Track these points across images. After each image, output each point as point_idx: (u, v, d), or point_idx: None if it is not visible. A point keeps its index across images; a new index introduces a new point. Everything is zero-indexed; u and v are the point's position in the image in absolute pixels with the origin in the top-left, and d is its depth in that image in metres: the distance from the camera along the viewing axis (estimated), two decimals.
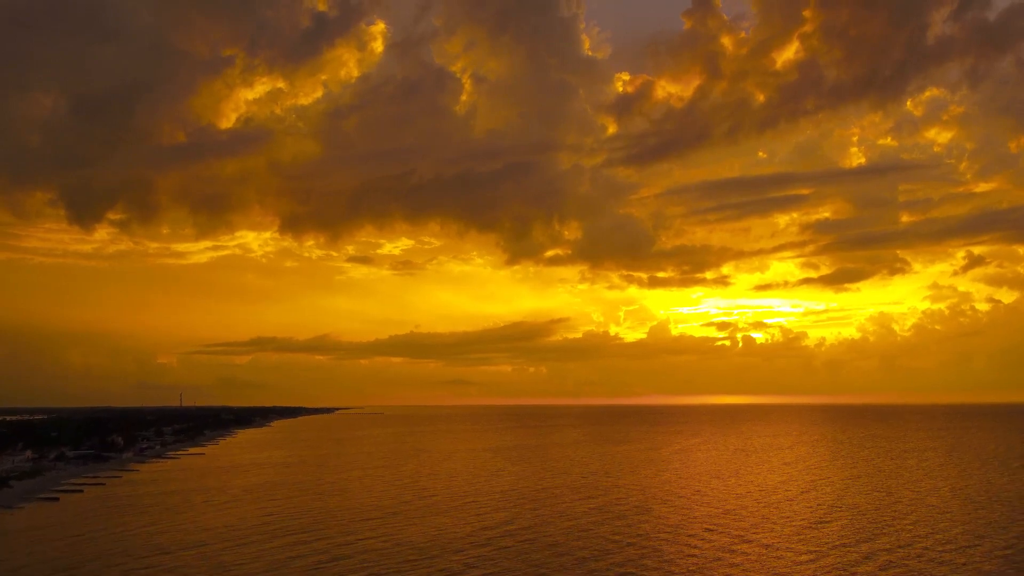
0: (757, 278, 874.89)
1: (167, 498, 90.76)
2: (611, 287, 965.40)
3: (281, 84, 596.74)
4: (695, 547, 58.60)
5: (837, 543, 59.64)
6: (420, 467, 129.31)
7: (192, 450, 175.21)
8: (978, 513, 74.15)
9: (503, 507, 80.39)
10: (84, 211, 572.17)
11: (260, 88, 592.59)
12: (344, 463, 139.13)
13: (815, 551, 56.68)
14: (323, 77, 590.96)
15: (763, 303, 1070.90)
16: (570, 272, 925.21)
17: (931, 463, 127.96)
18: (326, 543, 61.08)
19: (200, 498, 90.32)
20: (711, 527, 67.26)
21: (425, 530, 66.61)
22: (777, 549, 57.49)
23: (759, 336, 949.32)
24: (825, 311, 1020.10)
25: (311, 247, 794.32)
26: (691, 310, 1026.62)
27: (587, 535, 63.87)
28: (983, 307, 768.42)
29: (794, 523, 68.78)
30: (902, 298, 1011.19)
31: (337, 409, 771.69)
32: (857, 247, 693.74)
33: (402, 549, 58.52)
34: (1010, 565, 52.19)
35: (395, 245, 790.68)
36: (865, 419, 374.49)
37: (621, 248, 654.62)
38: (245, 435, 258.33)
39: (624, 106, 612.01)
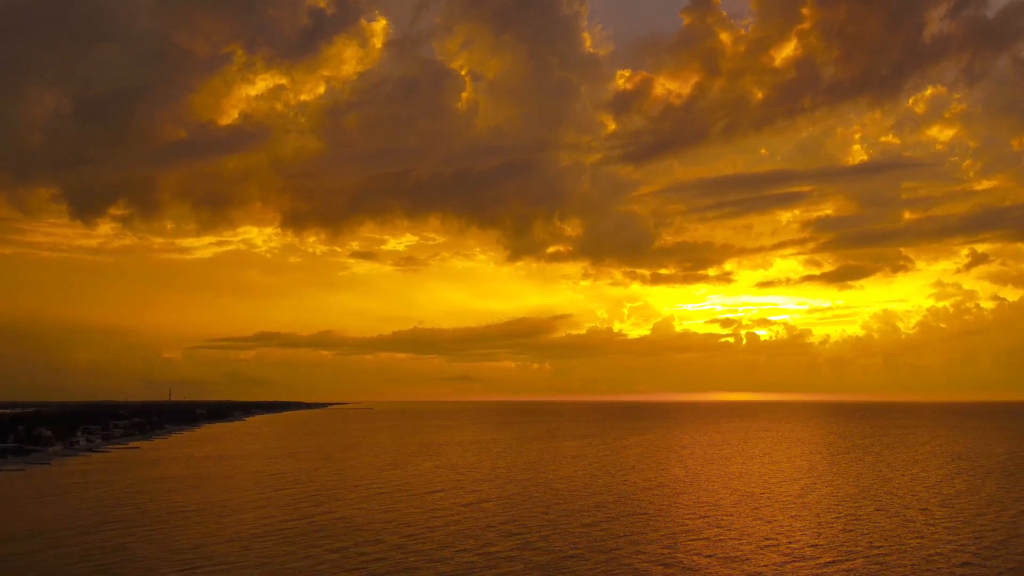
0: (760, 275, 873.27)
1: (39, 490, 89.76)
2: (614, 284, 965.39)
3: (282, 80, 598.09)
4: (467, 548, 56.65)
5: (626, 538, 57.64)
6: (345, 462, 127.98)
7: (131, 444, 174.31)
8: (838, 509, 71.70)
9: (343, 503, 78.72)
10: (87, 207, 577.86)
11: (261, 84, 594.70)
12: (262, 457, 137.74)
13: (595, 548, 54.75)
14: (325, 73, 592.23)
15: (767, 300, 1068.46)
16: (572, 268, 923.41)
17: (850, 460, 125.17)
18: (84, 539, 59.54)
19: (72, 491, 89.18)
20: (513, 525, 65.38)
21: (208, 530, 64.85)
22: (575, 549, 55.61)
23: (763, 333, 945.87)
24: (830, 308, 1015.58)
25: (314, 243, 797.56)
26: (695, 307, 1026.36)
27: (363, 531, 62.06)
28: (988, 305, 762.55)
29: (626, 521, 66.83)
30: (907, 296, 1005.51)
31: (331, 404, 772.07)
32: (859, 244, 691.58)
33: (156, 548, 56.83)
34: (782, 557, 49.99)
35: (398, 241, 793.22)
36: (851, 417, 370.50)
37: (622, 245, 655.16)
38: (209, 429, 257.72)
39: (623, 104, 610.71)
